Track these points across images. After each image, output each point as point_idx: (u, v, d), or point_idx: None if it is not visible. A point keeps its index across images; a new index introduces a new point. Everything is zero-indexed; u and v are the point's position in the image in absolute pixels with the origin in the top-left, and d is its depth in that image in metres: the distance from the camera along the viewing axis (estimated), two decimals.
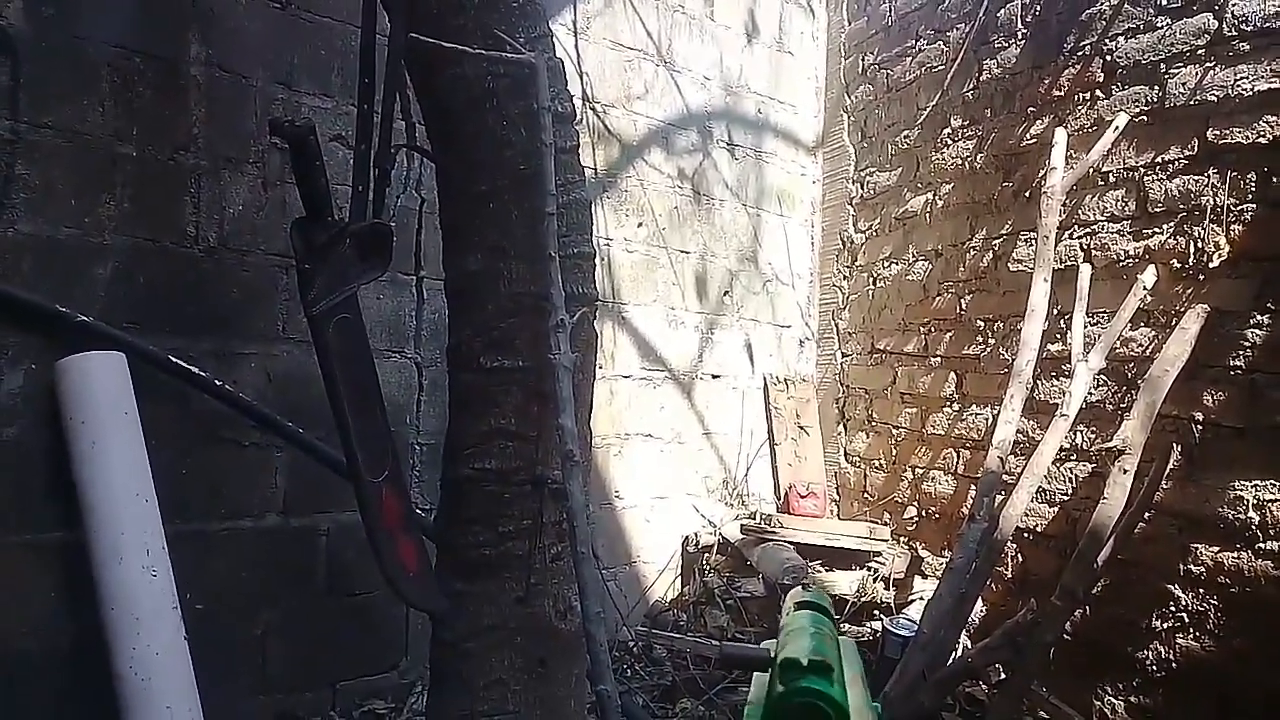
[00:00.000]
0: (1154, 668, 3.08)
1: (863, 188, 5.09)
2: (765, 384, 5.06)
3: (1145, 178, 3.34)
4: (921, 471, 4.43)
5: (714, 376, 4.87)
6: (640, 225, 4.55)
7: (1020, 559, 3.73)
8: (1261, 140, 2.94)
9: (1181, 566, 3.02)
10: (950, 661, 3.27)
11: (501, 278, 2.23)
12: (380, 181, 2.16)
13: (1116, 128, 3.40)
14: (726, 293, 4.96)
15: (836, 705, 0.70)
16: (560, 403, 2.13)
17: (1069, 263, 3.60)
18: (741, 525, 4.45)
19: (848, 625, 3.90)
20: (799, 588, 1.40)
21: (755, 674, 1.16)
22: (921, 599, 3.68)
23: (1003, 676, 3.41)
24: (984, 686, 3.44)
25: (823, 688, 0.70)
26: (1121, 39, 3.45)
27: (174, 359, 2.87)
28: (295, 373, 3.15)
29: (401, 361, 3.53)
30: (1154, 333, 3.23)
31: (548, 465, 2.23)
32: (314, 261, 1.96)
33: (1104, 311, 3.41)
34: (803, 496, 4.73)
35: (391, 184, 3.30)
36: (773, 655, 1.03)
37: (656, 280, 4.64)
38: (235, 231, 3.11)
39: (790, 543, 4.26)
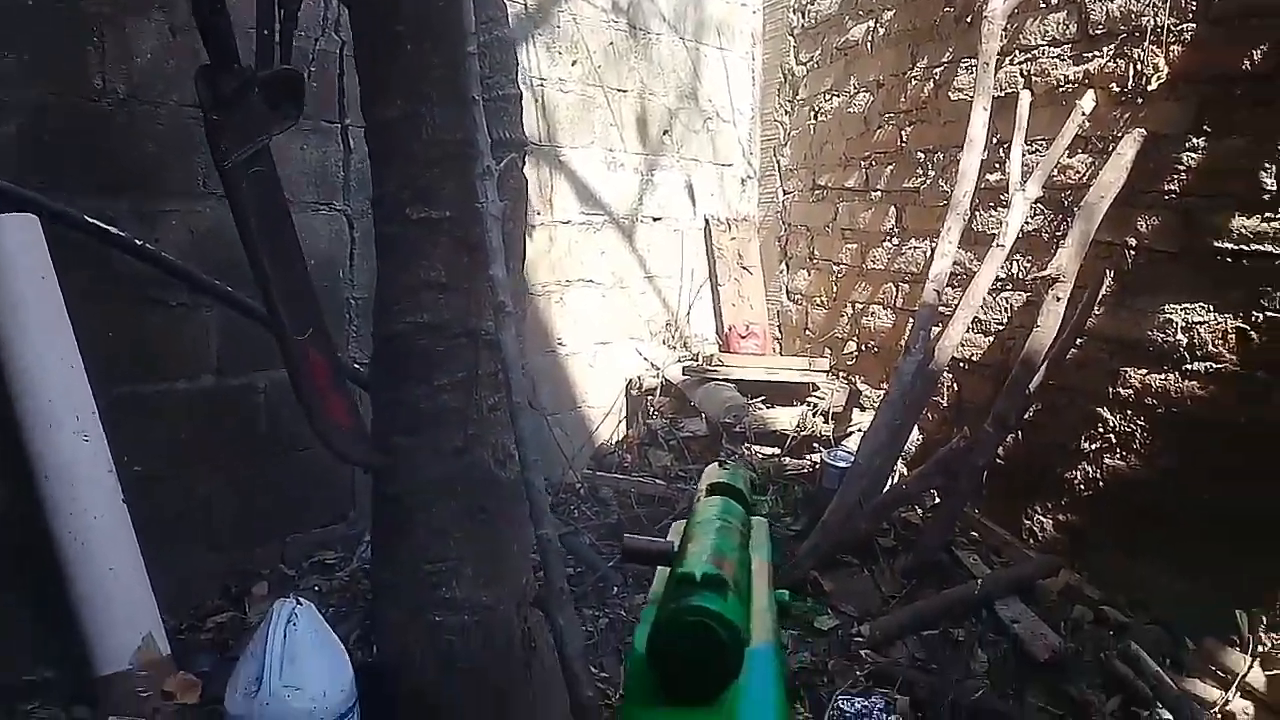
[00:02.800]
0: (1081, 487, 3.20)
1: (804, 17, 4.94)
2: (707, 225, 5.01)
3: None
4: (861, 307, 4.46)
5: (655, 219, 4.82)
6: (575, 64, 4.39)
7: (956, 388, 3.81)
8: None
9: (1111, 390, 3.10)
10: (886, 489, 3.38)
11: (423, 124, 2.14)
12: (287, 24, 2.04)
13: None
14: (666, 132, 4.85)
15: (728, 624, 0.69)
16: (490, 252, 2.09)
17: (1009, 90, 3.55)
18: (684, 367, 4.49)
19: (789, 459, 4.00)
20: (715, 465, 1.39)
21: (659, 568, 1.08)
22: (860, 431, 3.76)
23: (937, 501, 3.53)
24: (919, 511, 3.57)
25: (715, 605, 0.69)
26: None
27: (91, 219, 2.75)
28: (220, 229, 3.03)
29: (331, 214, 3.43)
30: (1091, 159, 3.22)
31: (480, 316, 2.20)
32: (223, 112, 1.87)
33: (1043, 139, 3.38)
34: (743, 336, 4.77)
35: (300, 25, 3.16)
36: (674, 549, 0.99)
37: (594, 121, 4.51)
38: (146, 82, 2.93)
39: (731, 381, 4.31)
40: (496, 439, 2.28)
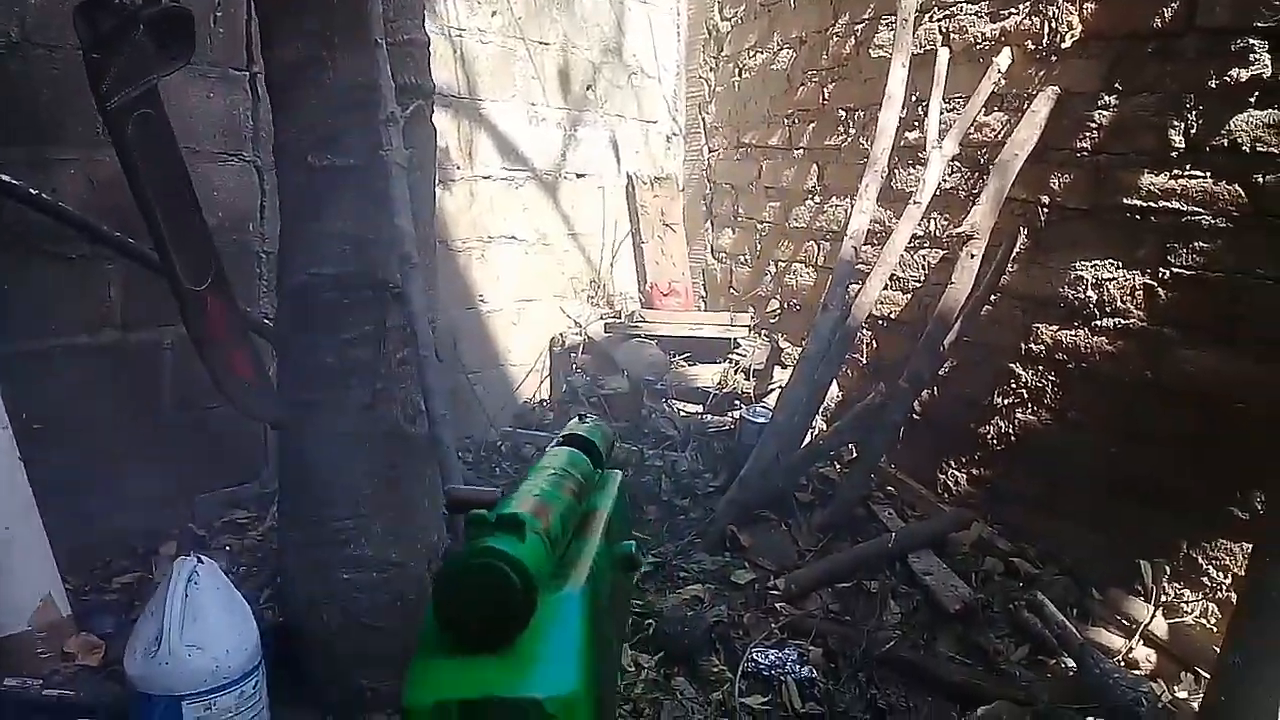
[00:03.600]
0: (994, 442, 3.26)
1: None
2: (630, 181, 4.97)
3: None
4: (784, 265, 4.47)
5: (579, 175, 4.76)
6: (495, 14, 4.30)
7: (875, 345, 3.85)
8: None
9: (1024, 345, 3.15)
10: (804, 444, 3.40)
11: (325, 68, 2.08)
12: None
13: None
14: (589, 87, 4.79)
15: (516, 565, 0.65)
16: (395, 203, 2.04)
17: (928, 47, 3.55)
18: (606, 324, 4.47)
19: (710, 415, 4.01)
20: (575, 419, 1.37)
21: None
22: (781, 388, 3.78)
23: (854, 456, 3.57)
24: (836, 466, 3.60)
25: (505, 546, 0.65)
26: None
27: None
28: (122, 180, 2.93)
29: (240, 165, 3.32)
30: (1007, 117, 3.24)
31: (387, 269, 2.15)
32: (104, 51, 1.78)
33: (960, 97, 3.39)
34: (665, 294, 4.76)
35: None
36: (500, 496, 0.96)
37: (515, 74, 4.43)
38: (40, 25, 2.80)
39: (654, 337, 4.30)
40: (405, 394, 2.24)
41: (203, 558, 2.15)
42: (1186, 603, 2.64)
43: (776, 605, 2.80)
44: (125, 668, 2.06)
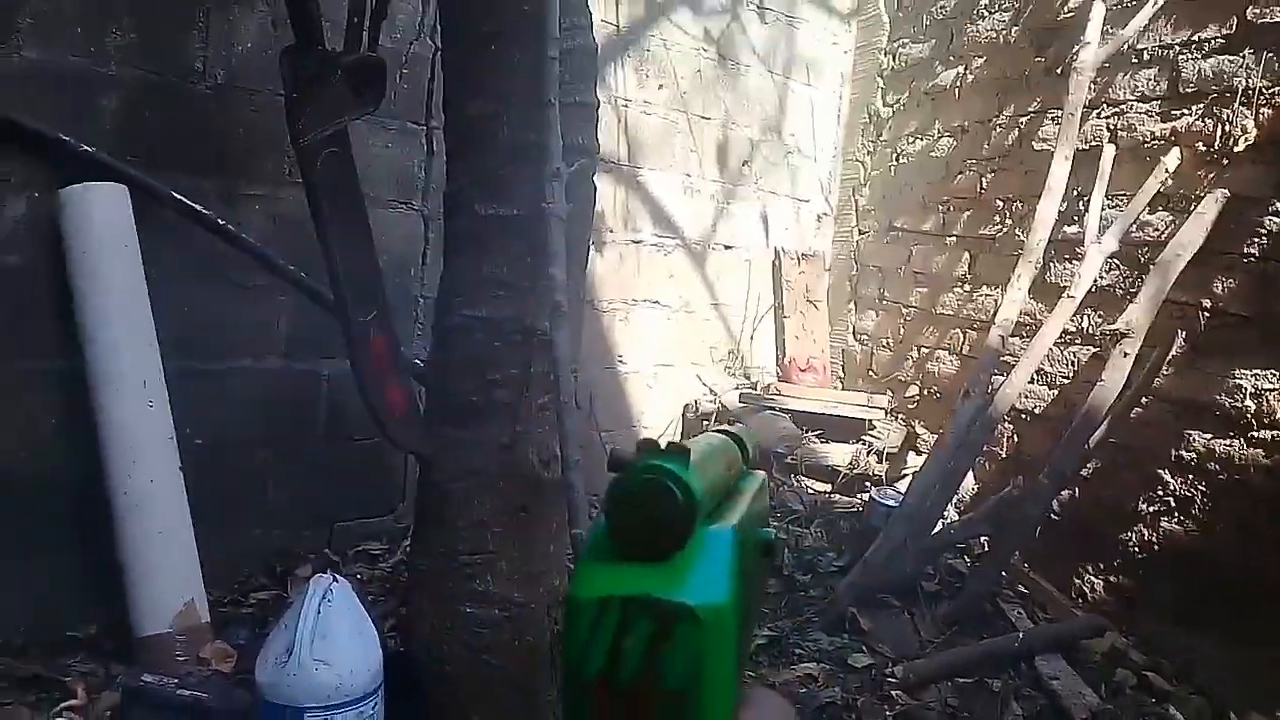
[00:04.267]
0: (1135, 549, 3.12)
1: (894, 60, 4.94)
2: (778, 256, 5.01)
3: (1179, 56, 3.23)
4: (927, 351, 4.42)
5: (726, 247, 4.83)
6: (661, 87, 4.45)
7: (1016, 439, 3.75)
8: None
9: (1173, 452, 3.03)
10: (935, 532, 3.33)
11: (501, 123, 2.19)
12: (377, 13, 2.11)
13: (1156, 2, 3.28)
14: (746, 162, 4.87)
15: (680, 482, 0.69)
16: (551, 253, 2.12)
17: (1094, 143, 3.51)
18: (741, 394, 4.48)
19: (838, 495, 3.96)
20: (727, 424, 1.40)
21: None
22: (913, 474, 3.71)
23: (985, 549, 3.47)
24: (966, 559, 3.50)
25: (672, 466, 0.70)
26: None
27: (178, 195, 2.85)
28: (301, 218, 3.08)
29: (408, 213, 3.51)
30: (1171, 217, 3.17)
31: (538, 316, 2.23)
32: (303, 92, 1.94)
33: (1123, 194, 3.34)
34: (803, 370, 4.75)
35: (396, 29, 3.26)
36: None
37: (675, 145, 4.55)
38: (244, 70, 3.04)
39: (788, 411, 4.29)
40: (543, 438, 2.30)
41: (338, 578, 2.25)
42: None
43: (893, 693, 2.72)
44: (255, 676, 2.15)
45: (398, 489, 3.53)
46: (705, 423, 4.49)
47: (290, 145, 2.10)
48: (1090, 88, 3.46)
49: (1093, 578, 3.26)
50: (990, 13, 4.23)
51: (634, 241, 4.42)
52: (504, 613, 2.26)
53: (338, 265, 2.03)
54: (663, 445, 0.70)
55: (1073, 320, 3.37)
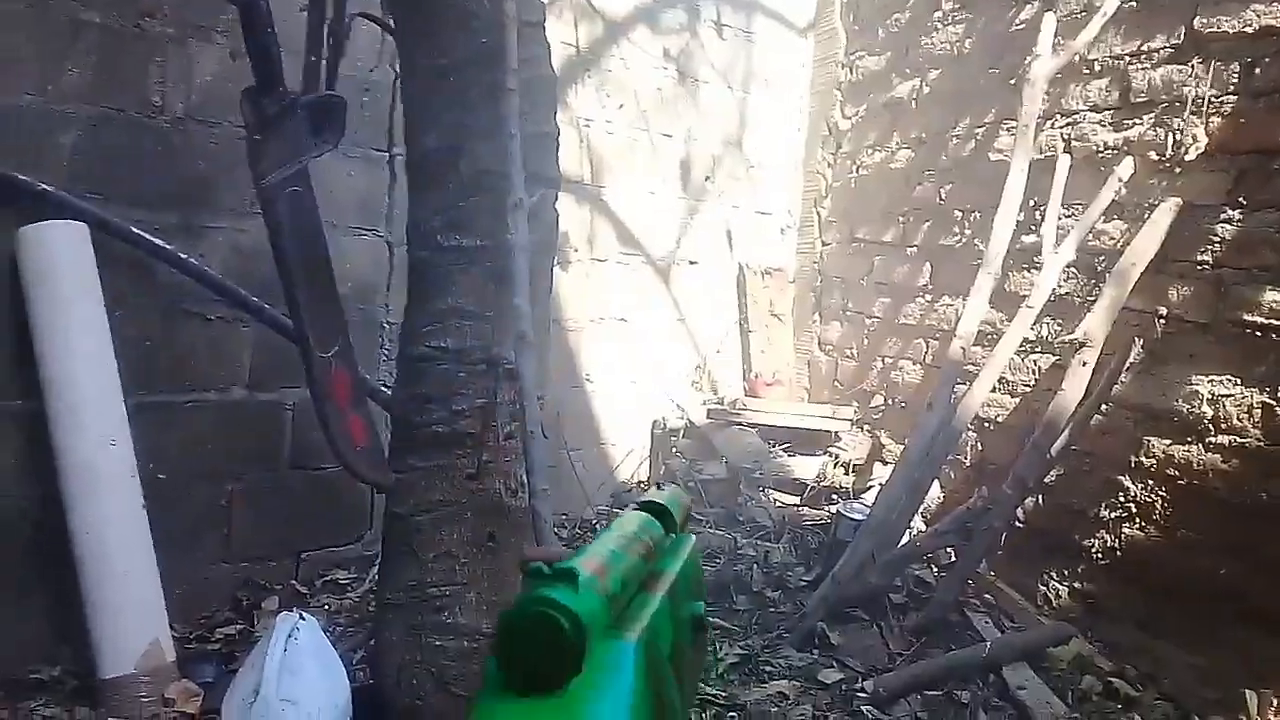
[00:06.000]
0: (1098, 555, 3.17)
1: (852, 72, 4.98)
2: (741, 271, 5.04)
3: (1129, 67, 3.29)
4: (891, 361, 4.46)
5: (691, 263, 4.85)
6: (622, 106, 4.47)
7: (980, 447, 3.79)
8: (1247, 29, 2.90)
9: (1133, 458, 3.08)
10: (901, 544, 3.36)
11: (461, 155, 2.21)
12: (335, 51, 2.11)
13: (1105, 13, 3.32)
14: (708, 178, 4.90)
15: (567, 611, 0.69)
16: (516, 283, 2.13)
17: (1049, 153, 3.57)
18: (708, 410, 4.50)
19: (806, 508, 3.99)
20: (654, 488, 1.42)
21: None
22: (880, 485, 3.75)
23: (951, 560, 3.50)
24: (933, 569, 3.54)
25: (558, 595, 0.70)
26: None
27: (138, 230, 2.84)
28: (264, 249, 3.06)
29: (373, 240, 3.50)
30: (1126, 225, 3.23)
31: (503, 345, 2.25)
32: (265, 132, 1.94)
33: (1079, 204, 3.39)
34: (768, 384, 4.78)
35: (356, 56, 3.25)
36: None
37: (637, 163, 4.57)
38: (203, 103, 3.04)
39: (755, 425, 4.32)
40: (509, 468, 2.31)
41: (304, 615, 2.25)
42: None
43: (863, 708, 2.74)
44: (222, 717, 2.15)
45: (365, 516, 3.52)
46: (672, 438, 4.51)
47: (251, 178, 2.10)
48: (1044, 99, 3.51)
49: (1058, 584, 3.30)
50: (944, 25, 4.28)
51: (599, 260, 4.43)
52: (473, 644, 2.25)
53: (300, 302, 2.02)
54: (546, 569, 0.71)
55: (1032, 329, 3.42)
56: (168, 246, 2.90)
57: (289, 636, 2.16)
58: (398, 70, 3.37)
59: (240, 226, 3.12)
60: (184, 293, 2.99)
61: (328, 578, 3.38)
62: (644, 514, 1.15)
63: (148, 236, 2.84)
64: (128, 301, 2.83)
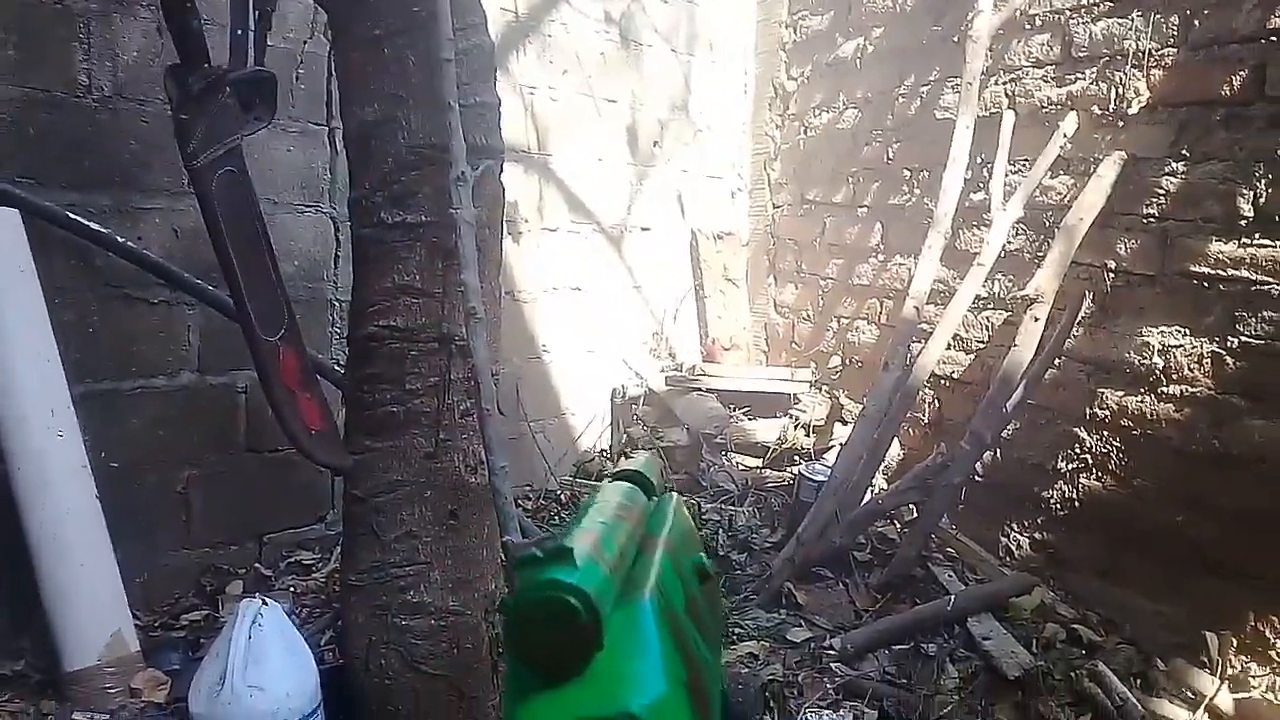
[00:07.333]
0: (1057, 506, 3.22)
1: (795, 32, 4.96)
2: (694, 236, 5.02)
3: (1070, 21, 3.30)
4: (847, 322, 4.48)
5: (643, 229, 4.82)
6: (565, 72, 4.40)
7: (937, 405, 3.83)
8: None
9: (1088, 410, 3.13)
10: (863, 502, 3.38)
11: (399, 128, 2.16)
12: (261, 24, 2.05)
13: None
14: (656, 143, 4.86)
15: (571, 588, 0.67)
16: (463, 259, 2.09)
17: (993, 110, 3.57)
18: (666, 376, 4.50)
19: (768, 471, 4.01)
20: (623, 456, 1.41)
21: None
22: (840, 445, 3.77)
23: (913, 516, 3.54)
24: (896, 526, 3.57)
25: (559, 574, 0.67)
26: None
27: (72, 215, 2.75)
28: (203, 229, 3.02)
29: (317, 217, 3.43)
30: (1073, 180, 3.25)
31: (454, 322, 2.21)
32: (192, 111, 1.88)
33: (1026, 159, 3.41)
34: (726, 348, 4.78)
35: (288, 27, 3.18)
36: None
37: (584, 130, 4.51)
38: (131, 80, 2.94)
39: (714, 390, 4.32)
40: (467, 445, 2.28)
41: (267, 600, 2.22)
42: (1253, 676, 2.58)
43: (832, 665, 2.78)
44: (189, 707, 2.12)
45: (326, 496, 3.48)
46: (633, 406, 4.50)
47: (181, 159, 2.04)
48: (987, 55, 3.51)
49: (1019, 536, 3.35)
50: None
51: (550, 230, 4.39)
52: (440, 622, 2.24)
53: (240, 285, 1.97)
54: (539, 554, 0.68)
55: (984, 286, 3.44)
56: (105, 231, 2.82)
57: (253, 623, 2.12)
58: (330, 40, 3.34)
59: (177, 207, 3.03)
60: (124, 278, 2.91)
61: (292, 559, 3.35)
62: (624, 483, 1.14)
63: (83, 221, 2.76)
64: (67, 289, 2.75)
